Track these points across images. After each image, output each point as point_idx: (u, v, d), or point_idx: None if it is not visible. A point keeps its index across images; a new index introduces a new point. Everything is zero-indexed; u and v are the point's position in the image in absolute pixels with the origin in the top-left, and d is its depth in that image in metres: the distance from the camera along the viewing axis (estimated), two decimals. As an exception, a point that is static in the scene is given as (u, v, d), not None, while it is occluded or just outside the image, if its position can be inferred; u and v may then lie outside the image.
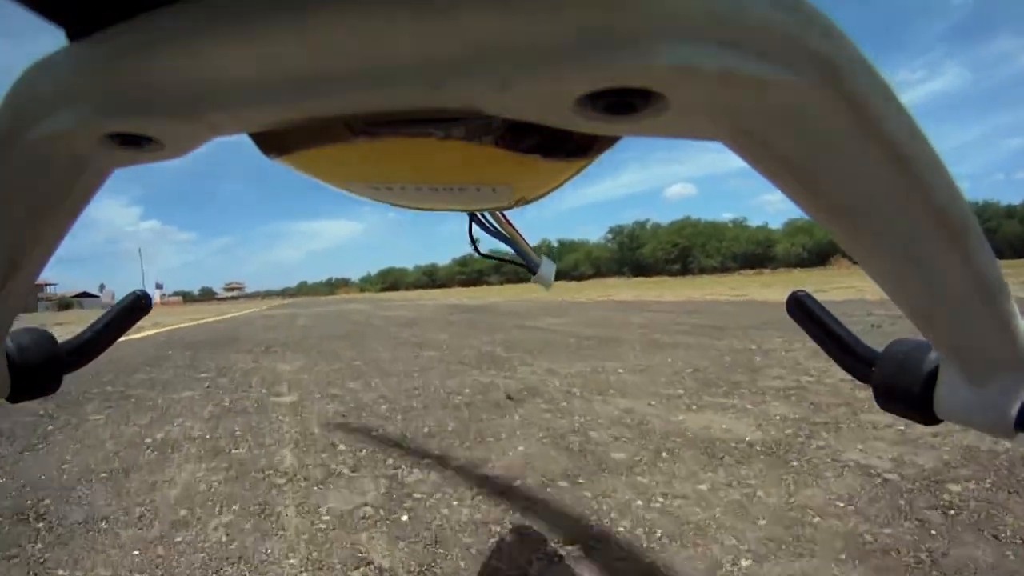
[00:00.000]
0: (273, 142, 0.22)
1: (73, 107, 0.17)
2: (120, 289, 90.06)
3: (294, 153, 0.22)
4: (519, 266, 0.64)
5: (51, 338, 0.34)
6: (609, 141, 0.23)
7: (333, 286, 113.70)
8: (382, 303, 16.51)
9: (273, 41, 0.15)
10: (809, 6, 0.15)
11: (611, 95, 0.15)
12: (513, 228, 0.60)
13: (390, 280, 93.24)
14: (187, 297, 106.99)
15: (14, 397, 0.32)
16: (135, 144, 0.19)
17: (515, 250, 0.62)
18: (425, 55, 0.15)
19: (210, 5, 0.15)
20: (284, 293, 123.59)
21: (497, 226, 0.58)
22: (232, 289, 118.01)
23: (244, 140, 0.22)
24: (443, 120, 0.20)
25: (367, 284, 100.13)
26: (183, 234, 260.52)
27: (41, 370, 0.32)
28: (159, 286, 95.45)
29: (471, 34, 0.14)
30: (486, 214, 0.57)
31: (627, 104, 0.15)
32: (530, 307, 8.33)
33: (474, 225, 0.56)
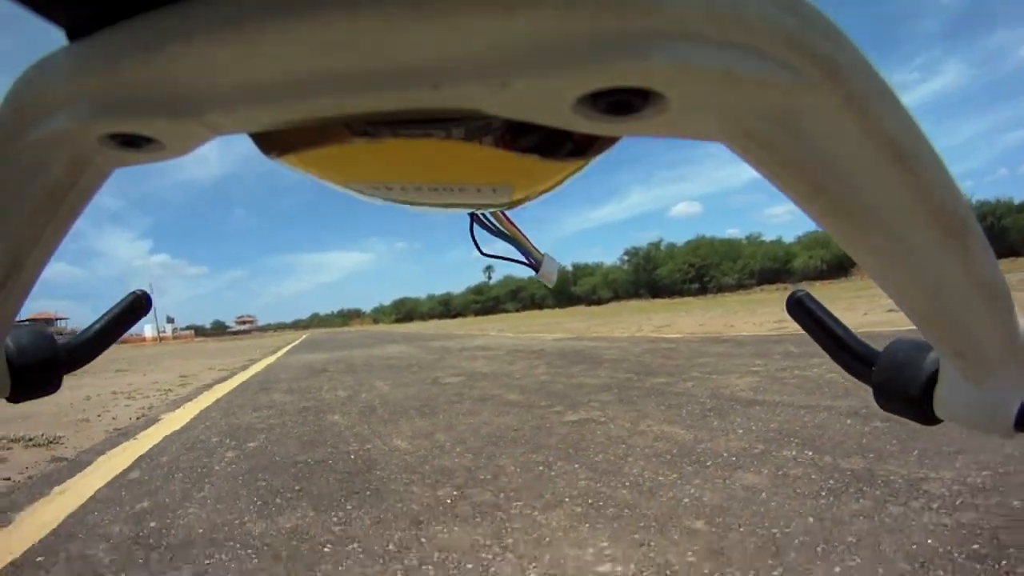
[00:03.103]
0: (273, 141, 0.22)
1: (73, 107, 0.17)
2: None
3: (293, 153, 0.22)
4: (522, 264, 0.58)
5: (51, 338, 0.34)
6: (608, 141, 0.22)
7: (346, 318, 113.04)
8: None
9: (273, 41, 0.14)
10: (809, 6, 0.15)
11: (611, 95, 0.15)
12: (515, 227, 0.55)
13: (404, 310, 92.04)
14: (199, 331, 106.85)
15: (14, 397, 0.32)
16: (135, 144, 0.19)
17: (518, 248, 0.57)
18: (424, 56, 0.15)
19: (210, 5, 0.14)
20: (296, 325, 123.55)
21: (499, 225, 0.54)
22: (244, 322, 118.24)
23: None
24: (443, 120, 0.20)
25: (380, 315, 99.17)
26: (194, 268, 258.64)
27: (41, 370, 0.32)
28: (170, 320, 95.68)
29: (471, 35, 0.14)
30: (487, 213, 0.52)
31: (627, 104, 0.15)
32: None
33: (475, 225, 0.53)
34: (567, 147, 0.22)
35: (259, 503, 2.07)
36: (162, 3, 0.15)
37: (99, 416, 4.40)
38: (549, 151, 0.22)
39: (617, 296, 72.47)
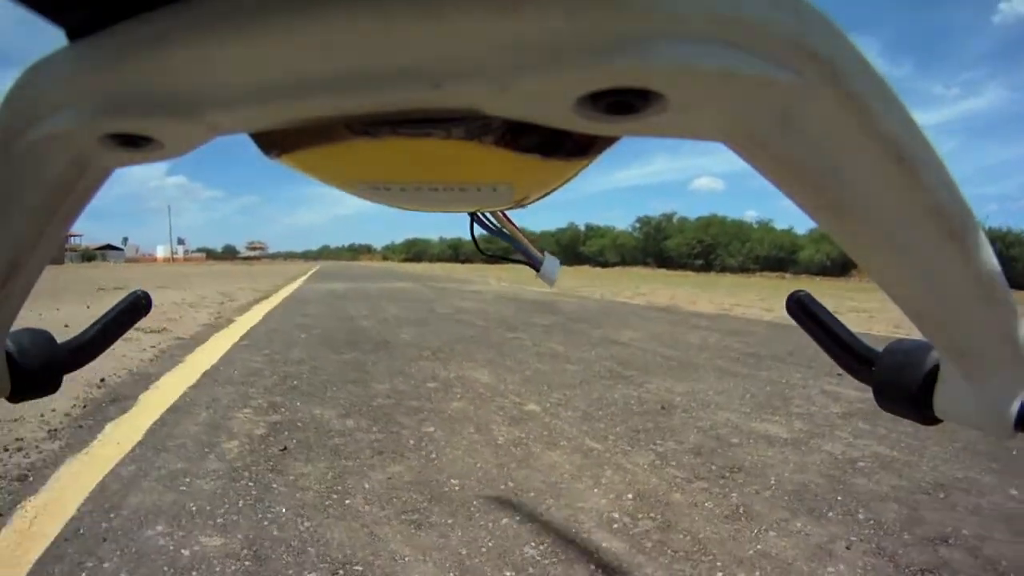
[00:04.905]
0: (273, 141, 0.22)
1: (73, 107, 0.17)
2: (144, 243, 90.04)
3: (293, 153, 0.23)
4: (523, 264, 0.65)
5: (51, 338, 0.35)
6: (609, 141, 0.23)
7: (356, 252, 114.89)
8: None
9: (273, 41, 0.15)
10: (809, 6, 0.15)
11: (611, 95, 0.15)
12: (514, 227, 0.61)
13: (414, 251, 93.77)
14: (210, 254, 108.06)
15: (14, 397, 0.32)
16: (135, 144, 0.18)
17: (518, 248, 0.63)
18: (425, 55, 0.15)
19: (210, 5, 0.15)
20: (306, 256, 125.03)
21: (499, 225, 0.59)
22: (255, 248, 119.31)
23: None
24: (443, 120, 0.20)
25: (390, 253, 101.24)
26: (209, 191, 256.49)
27: (41, 370, 0.33)
28: (181, 241, 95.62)
29: (471, 34, 0.14)
30: (487, 213, 0.58)
31: (627, 104, 0.16)
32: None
33: (475, 225, 0.58)
34: (568, 147, 0.22)
35: (330, 350, 4.01)
36: (162, 3, 0.15)
37: (181, 316, 6.32)
38: (550, 151, 0.22)
39: (624, 261, 72.73)
